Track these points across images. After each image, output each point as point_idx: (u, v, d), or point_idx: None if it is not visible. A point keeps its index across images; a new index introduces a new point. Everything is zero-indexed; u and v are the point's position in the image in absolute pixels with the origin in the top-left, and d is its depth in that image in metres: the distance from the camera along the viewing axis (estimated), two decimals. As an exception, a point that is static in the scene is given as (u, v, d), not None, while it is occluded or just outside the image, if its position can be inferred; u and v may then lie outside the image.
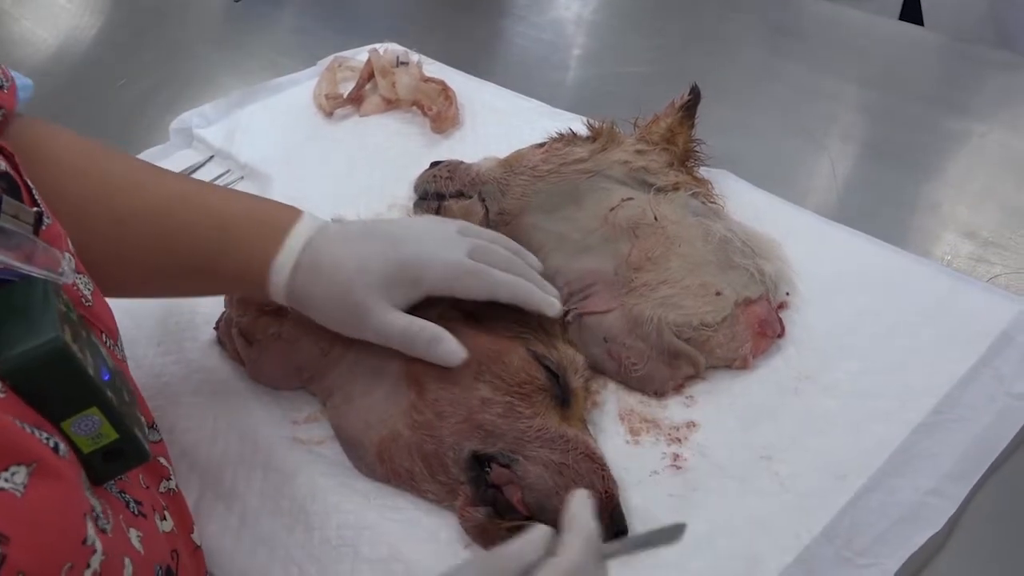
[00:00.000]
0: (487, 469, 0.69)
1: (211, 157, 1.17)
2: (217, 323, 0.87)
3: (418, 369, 0.74)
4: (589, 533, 0.55)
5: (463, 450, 0.70)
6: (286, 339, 0.80)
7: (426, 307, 0.77)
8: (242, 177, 1.13)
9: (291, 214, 0.75)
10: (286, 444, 0.78)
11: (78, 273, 0.60)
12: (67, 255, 0.57)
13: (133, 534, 0.53)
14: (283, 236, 0.73)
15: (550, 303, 0.78)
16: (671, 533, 0.58)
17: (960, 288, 0.86)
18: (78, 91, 1.37)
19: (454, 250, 0.75)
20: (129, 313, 0.89)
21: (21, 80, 0.75)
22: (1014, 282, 0.89)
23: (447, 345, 0.72)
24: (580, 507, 0.57)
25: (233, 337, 0.83)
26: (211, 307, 0.88)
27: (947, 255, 0.94)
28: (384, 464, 0.73)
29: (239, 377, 0.84)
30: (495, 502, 0.68)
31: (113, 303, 0.90)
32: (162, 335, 0.88)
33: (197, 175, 1.13)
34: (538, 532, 0.55)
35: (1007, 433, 0.74)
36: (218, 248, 0.73)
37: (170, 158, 1.17)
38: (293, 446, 0.78)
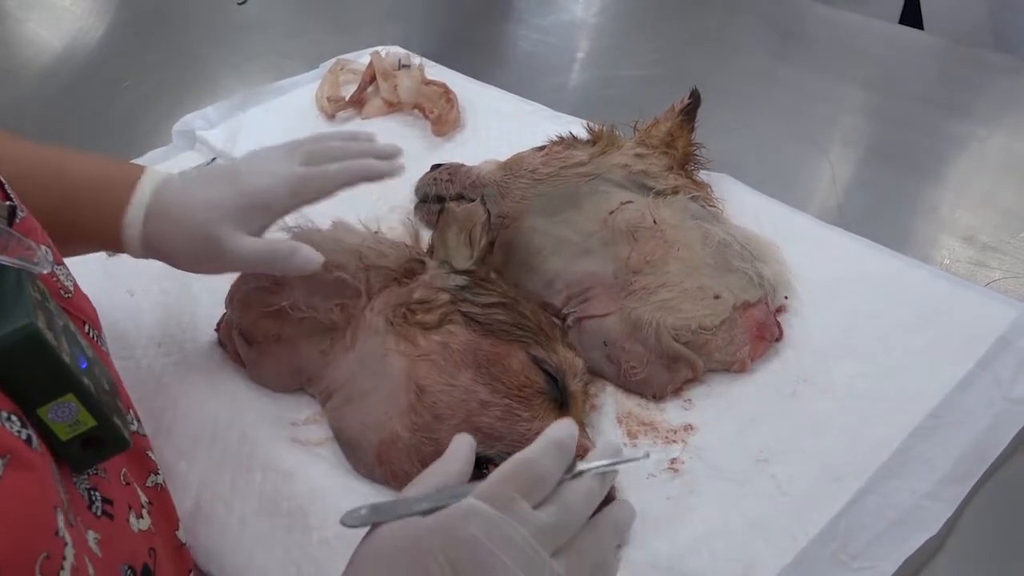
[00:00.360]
0: (484, 471, 0.69)
1: (214, 159, 1.17)
2: (218, 325, 0.87)
3: (418, 372, 0.74)
4: (552, 436, 0.55)
5: (461, 452, 0.70)
6: (286, 340, 0.81)
7: (429, 309, 0.77)
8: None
9: (135, 170, 0.78)
10: (286, 445, 0.78)
11: (57, 264, 0.60)
12: (43, 247, 0.57)
13: (90, 536, 0.53)
14: (130, 192, 0.76)
15: (390, 165, 0.82)
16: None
17: (958, 292, 0.87)
18: (82, 93, 1.37)
19: (288, 164, 0.79)
20: (130, 314, 0.90)
21: None
22: (1013, 287, 0.90)
23: (302, 253, 0.76)
24: (559, 424, 0.57)
25: (234, 338, 0.84)
26: (212, 308, 0.88)
27: (946, 259, 0.94)
28: (383, 466, 0.74)
29: (239, 378, 0.84)
30: (492, 504, 0.68)
31: (115, 307, 0.91)
32: (163, 336, 0.89)
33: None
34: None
35: (1004, 437, 0.75)
36: (70, 210, 0.75)
37: (173, 160, 1.17)
38: (292, 447, 0.78)
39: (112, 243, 0.77)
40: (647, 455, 0.61)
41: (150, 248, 0.77)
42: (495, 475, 0.54)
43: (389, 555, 0.52)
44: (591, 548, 0.55)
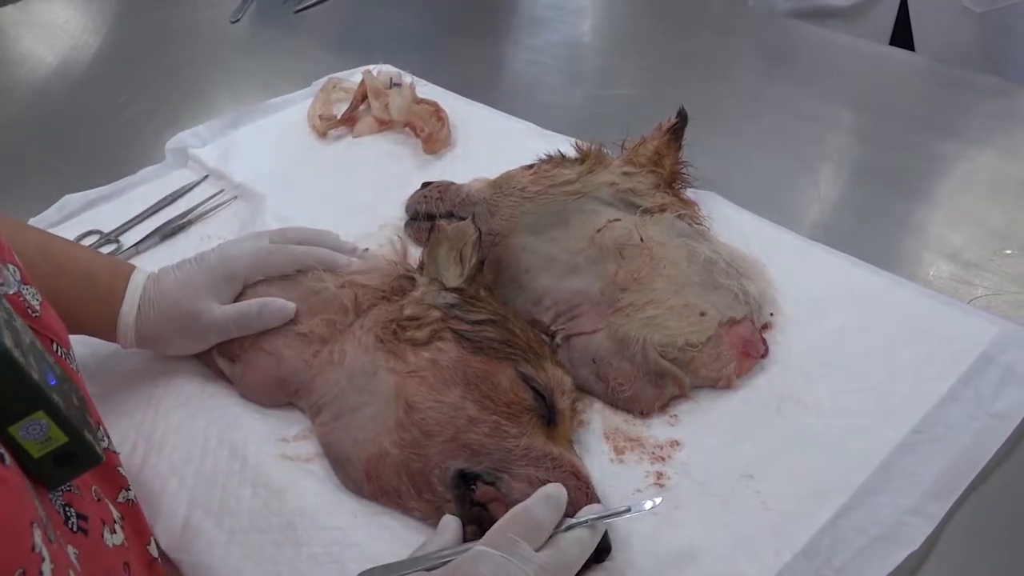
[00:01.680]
0: (472, 487, 0.70)
1: (206, 176, 1.18)
2: None
3: (407, 388, 0.75)
4: (546, 491, 0.66)
5: (449, 468, 0.71)
6: (268, 351, 0.82)
7: (419, 326, 0.78)
8: (236, 196, 1.14)
9: (130, 267, 0.85)
10: (275, 461, 0.78)
11: (25, 284, 0.61)
12: (10, 266, 0.59)
13: (70, 550, 0.54)
14: (125, 285, 0.83)
15: (348, 260, 0.88)
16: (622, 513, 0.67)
17: (942, 309, 0.88)
18: (76, 111, 1.38)
19: (256, 242, 0.87)
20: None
21: None
22: (994, 304, 0.90)
23: (274, 305, 0.83)
24: (550, 484, 0.68)
25: (215, 359, 0.85)
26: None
27: (929, 276, 0.95)
28: (372, 482, 0.74)
29: (229, 395, 0.85)
30: (480, 520, 0.68)
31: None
32: (153, 351, 0.89)
33: (191, 194, 1.14)
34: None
35: (986, 452, 0.76)
36: (77, 299, 0.81)
37: (165, 178, 1.18)
38: (282, 463, 0.78)
39: (103, 333, 0.84)
40: (629, 510, 0.67)
41: (143, 337, 0.83)
42: (498, 525, 0.63)
43: None
44: None
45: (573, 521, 0.65)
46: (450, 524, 0.68)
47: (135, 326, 0.82)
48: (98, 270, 0.84)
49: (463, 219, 0.93)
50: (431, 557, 0.64)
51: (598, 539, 0.66)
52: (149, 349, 0.86)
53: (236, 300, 0.85)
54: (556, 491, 0.66)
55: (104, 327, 0.83)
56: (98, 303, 0.82)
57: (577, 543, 0.64)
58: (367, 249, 0.91)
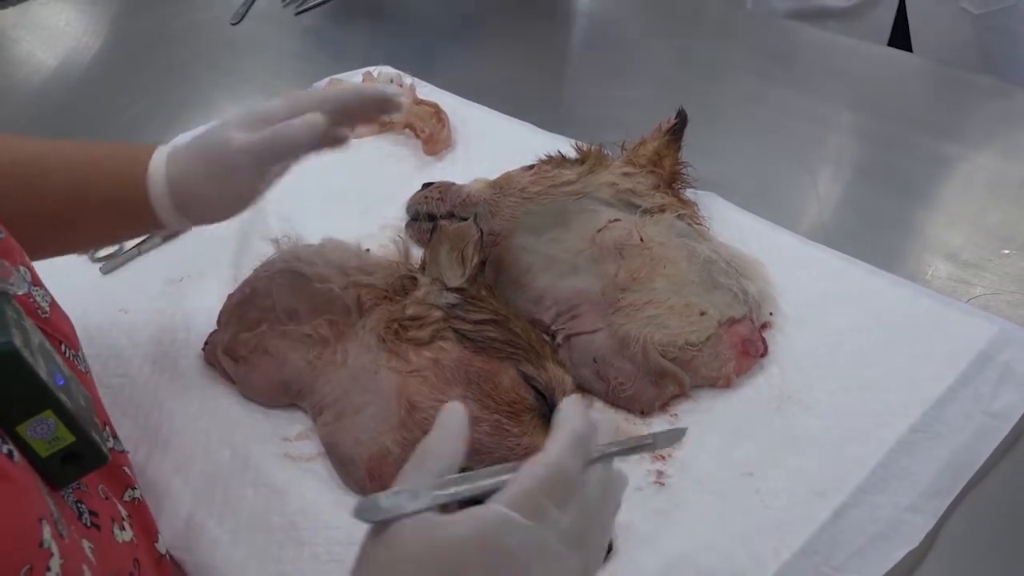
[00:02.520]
0: (473, 486, 0.70)
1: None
2: (204, 345, 0.88)
3: (409, 388, 0.75)
4: (576, 431, 0.55)
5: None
6: (272, 353, 0.82)
7: (421, 326, 0.79)
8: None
9: (147, 147, 0.81)
10: (278, 461, 0.79)
11: (35, 286, 0.61)
12: (21, 268, 0.59)
13: (85, 544, 0.54)
14: (150, 150, 0.79)
15: (395, 92, 0.84)
16: (672, 436, 0.60)
17: (940, 309, 0.88)
18: (77, 112, 1.39)
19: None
20: (125, 332, 0.91)
21: None
22: (992, 303, 0.91)
23: (297, 122, 0.75)
24: (570, 406, 0.57)
25: (219, 358, 0.85)
26: (205, 326, 0.89)
27: (928, 276, 0.95)
28: (374, 481, 0.74)
29: (232, 395, 0.85)
30: (481, 518, 0.69)
31: (110, 325, 0.92)
32: (157, 353, 0.90)
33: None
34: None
35: (984, 451, 0.76)
36: (92, 180, 0.79)
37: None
38: (284, 463, 0.79)
39: (136, 202, 0.78)
40: (653, 441, 0.59)
41: (174, 189, 0.78)
42: (526, 480, 0.52)
43: (415, 561, 0.50)
44: (602, 529, 0.56)
45: (596, 453, 0.56)
46: (452, 423, 0.56)
47: (166, 176, 0.77)
48: (114, 146, 0.82)
49: (464, 220, 0.94)
50: (443, 490, 0.53)
51: (623, 483, 0.58)
52: (186, 212, 0.80)
53: None
54: (586, 428, 0.55)
55: (135, 193, 0.78)
56: (125, 169, 0.79)
57: (602, 491, 0.55)
58: (368, 250, 0.91)
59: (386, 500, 0.51)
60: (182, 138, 0.81)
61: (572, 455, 0.54)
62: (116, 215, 0.80)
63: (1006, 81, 1.33)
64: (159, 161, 0.78)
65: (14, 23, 1.68)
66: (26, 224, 0.71)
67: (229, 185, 0.78)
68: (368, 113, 0.85)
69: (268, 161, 0.77)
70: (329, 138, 0.78)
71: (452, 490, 0.53)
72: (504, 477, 0.53)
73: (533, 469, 0.52)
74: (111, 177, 0.79)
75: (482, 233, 0.86)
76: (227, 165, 0.77)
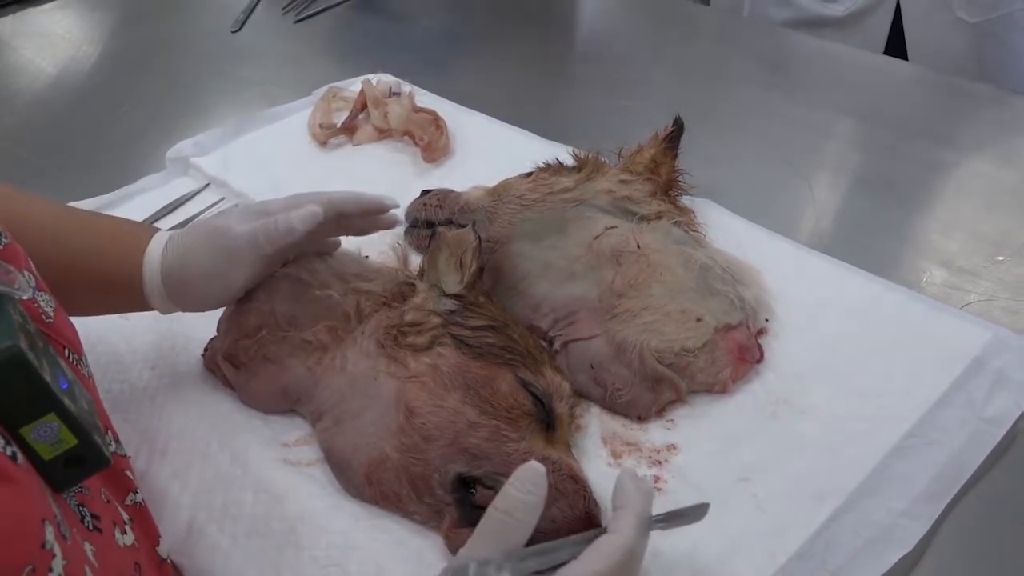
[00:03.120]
0: (472, 491, 0.71)
1: (207, 185, 1.19)
2: (204, 351, 0.89)
3: (408, 393, 0.76)
4: (641, 510, 0.62)
5: (449, 472, 0.72)
6: (271, 360, 0.82)
7: (419, 332, 0.79)
8: (236, 204, 1.14)
9: (150, 228, 0.83)
10: (277, 466, 0.79)
11: (39, 291, 0.62)
12: (26, 273, 0.60)
13: (87, 547, 0.55)
14: (149, 234, 0.81)
15: (383, 198, 0.86)
16: (699, 511, 0.64)
17: (934, 315, 0.89)
18: (76, 120, 1.39)
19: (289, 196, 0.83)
20: (125, 337, 0.92)
21: None
22: (986, 309, 0.92)
23: (303, 209, 0.78)
24: (631, 482, 0.63)
25: (219, 364, 0.86)
26: (204, 332, 0.89)
27: (923, 283, 0.96)
28: (372, 486, 0.75)
29: (231, 400, 0.86)
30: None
31: (110, 330, 0.92)
32: (156, 358, 0.90)
33: (192, 203, 1.15)
34: (532, 468, 0.62)
35: (978, 456, 0.77)
36: (104, 249, 0.79)
37: (166, 186, 1.19)
38: (284, 468, 0.79)
39: (131, 282, 0.80)
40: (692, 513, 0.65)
41: (169, 277, 0.79)
42: (599, 563, 0.59)
43: None
44: None
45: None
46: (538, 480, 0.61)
47: (161, 260, 0.79)
48: (121, 224, 0.83)
49: (462, 226, 0.94)
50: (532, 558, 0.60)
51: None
52: (177, 299, 0.81)
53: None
54: (648, 507, 0.63)
55: (131, 275, 0.79)
56: (123, 248, 0.80)
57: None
58: (367, 256, 0.92)
59: (475, 571, 0.58)
60: (178, 235, 0.81)
61: (639, 537, 0.61)
62: (107, 295, 0.82)
63: (1000, 89, 1.34)
64: (155, 250, 0.80)
65: (14, 31, 1.69)
66: None
67: (223, 272, 0.80)
68: (363, 224, 0.88)
69: (265, 248, 0.78)
70: (322, 240, 0.82)
71: (532, 563, 0.60)
72: (576, 550, 0.61)
73: (607, 551, 0.60)
74: (107, 259, 0.80)
75: (480, 240, 0.86)
76: (224, 250, 0.78)
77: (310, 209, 0.78)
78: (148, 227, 0.82)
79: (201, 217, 0.82)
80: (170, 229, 0.82)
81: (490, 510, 0.61)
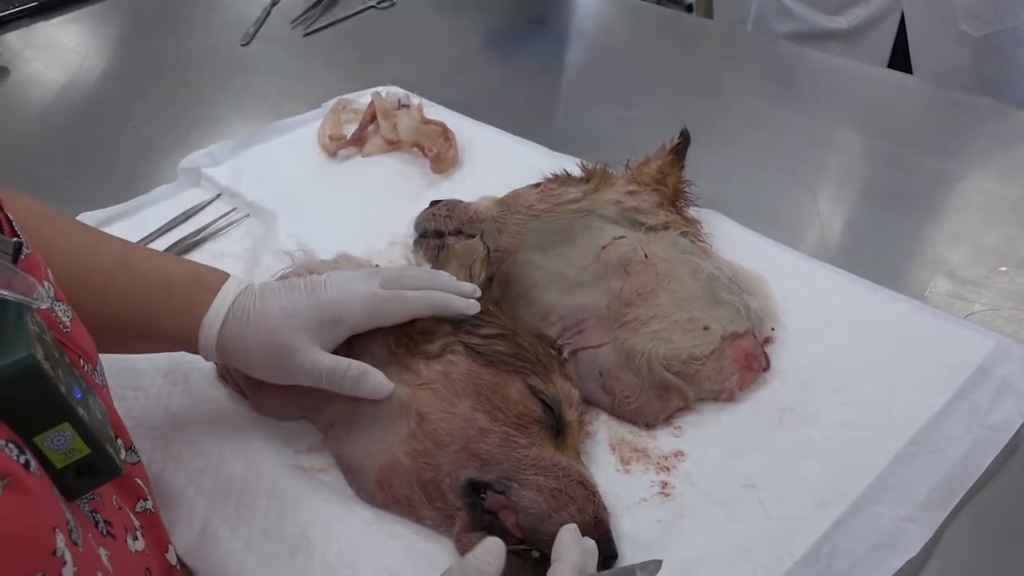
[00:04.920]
0: (483, 496, 0.72)
1: (218, 195, 1.20)
2: None
3: (419, 400, 0.77)
4: (575, 562, 0.62)
5: (460, 477, 0.73)
6: None
7: (431, 339, 0.80)
8: (248, 215, 1.16)
9: (220, 276, 0.80)
10: (289, 472, 0.80)
11: (57, 300, 0.63)
12: (46, 283, 0.60)
13: (102, 552, 0.55)
14: (212, 295, 0.78)
15: (467, 303, 0.82)
16: (651, 568, 0.65)
17: (938, 324, 0.90)
18: (89, 131, 1.41)
19: (368, 284, 0.80)
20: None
21: None
22: (990, 319, 0.92)
23: (374, 379, 0.77)
24: (568, 538, 0.64)
25: (232, 372, 0.87)
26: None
27: (927, 293, 0.97)
28: (384, 491, 0.76)
29: (243, 408, 0.87)
30: (491, 527, 0.70)
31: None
32: (170, 366, 0.91)
33: (204, 213, 1.17)
34: (493, 543, 0.63)
35: (981, 463, 0.77)
36: (155, 309, 0.78)
37: (179, 196, 1.20)
38: (296, 474, 0.80)
39: (186, 344, 0.79)
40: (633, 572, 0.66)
41: (225, 352, 0.78)
42: None
43: None
44: None
45: None
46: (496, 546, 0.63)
47: (217, 339, 0.78)
48: (177, 279, 0.80)
49: (472, 236, 0.96)
50: None
51: None
52: (229, 363, 0.81)
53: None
54: (583, 562, 0.64)
55: (185, 338, 0.79)
56: (176, 312, 0.78)
57: None
58: (378, 265, 0.93)
59: None
60: (255, 294, 0.79)
61: None
62: (162, 344, 0.82)
63: (1003, 103, 1.35)
64: (213, 324, 0.78)
65: (25, 44, 1.71)
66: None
67: (278, 376, 0.79)
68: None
69: (323, 386, 0.78)
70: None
71: None
72: None
73: None
74: (163, 318, 0.79)
75: (489, 250, 0.88)
76: (283, 369, 0.78)
77: (378, 386, 0.77)
78: (204, 285, 0.79)
79: (261, 309, 0.78)
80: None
81: (448, 570, 0.63)
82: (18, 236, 0.60)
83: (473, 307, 0.82)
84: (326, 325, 0.78)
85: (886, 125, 1.29)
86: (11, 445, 0.49)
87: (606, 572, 0.67)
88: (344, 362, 0.77)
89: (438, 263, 0.88)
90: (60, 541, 0.49)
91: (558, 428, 0.76)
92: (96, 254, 0.79)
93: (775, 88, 1.44)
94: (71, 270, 0.75)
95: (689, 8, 2.94)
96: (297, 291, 0.79)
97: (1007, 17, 1.54)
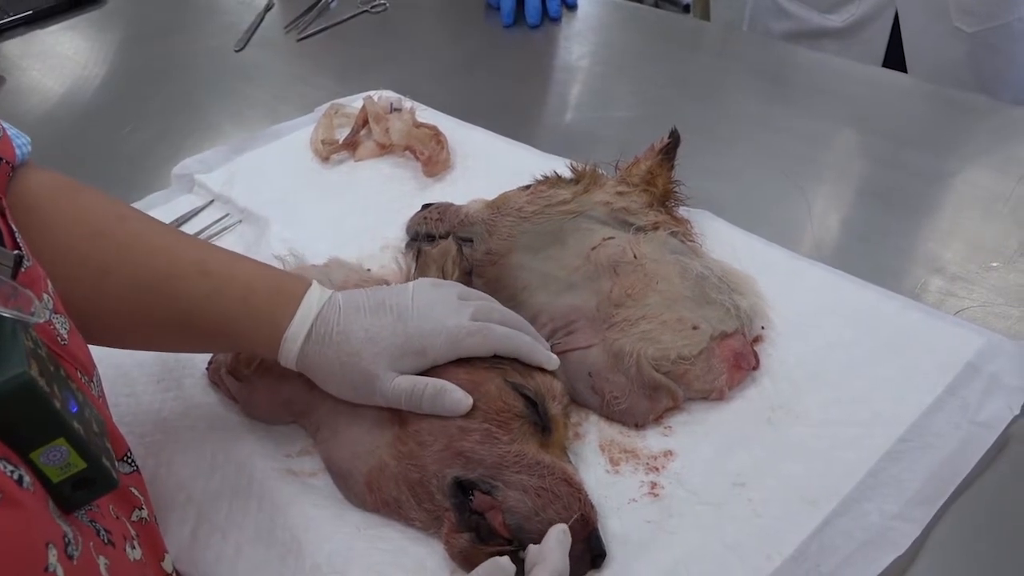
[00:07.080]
0: (470, 496, 0.72)
1: (211, 201, 1.20)
2: (208, 364, 0.90)
3: None
4: (556, 567, 0.64)
5: (446, 477, 0.73)
6: (273, 372, 0.84)
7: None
8: (241, 220, 1.16)
9: (302, 284, 0.79)
10: (280, 476, 0.81)
11: (56, 313, 0.63)
12: (45, 296, 0.60)
13: (102, 561, 0.55)
14: (295, 306, 0.77)
15: (549, 357, 0.81)
16: None
17: (928, 321, 0.90)
18: (83, 138, 1.41)
19: (457, 316, 0.79)
20: (131, 352, 0.93)
21: (18, 136, 0.79)
22: (980, 315, 0.92)
23: (451, 395, 0.75)
24: (555, 540, 0.65)
25: (223, 378, 0.87)
26: (209, 345, 0.91)
27: (917, 289, 0.97)
28: (373, 494, 0.76)
29: (235, 412, 0.87)
30: (478, 527, 0.70)
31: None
32: (162, 372, 0.92)
33: (197, 219, 1.17)
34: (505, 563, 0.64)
35: (970, 460, 0.77)
36: (234, 317, 0.77)
37: (172, 203, 1.21)
38: (286, 478, 0.80)
39: (266, 352, 0.79)
40: None
41: (305, 366, 0.78)
42: None
43: None
44: None
45: None
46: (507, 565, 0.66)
47: (299, 353, 0.77)
48: (258, 288, 0.78)
49: (463, 239, 0.96)
50: None
51: None
52: (307, 375, 0.79)
53: None
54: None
55: (268, 347, 0.78)
56: (258, 324, 0.77)
57: None
58: (369, 270, 0.93)
59: None
60: (337, 308, 0.78)
61: None
62: (243, 350, 0.83)
63: (997, 100, 1.35)
64: (296, 338, 0.76)
65: (22, 52, 1.71)
66: (134, 327, 0.76)
67: (355, 396, 0.78)
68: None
69: (401, 408, 0.77)
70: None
71: None
72: None
73: None
74: (252, 327, 0.78)
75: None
76: (360, 392, 0.77)
77: (457, 403, 0.75)
78: (286, 295, 0.78)
79: (344, 330, 0.76)
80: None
81: None
82: (19, 248, 0.60)
83: (553, 362, 0.82)
84: (409, 355, 0.77)
85: (880, 123, 1.29)
86: (3, 461, 0.49)
87: None
88: (421, 382, 0.76)
89: (418, 270, 0.88)
90: (52, 556, 0.48)
91: (543, 424, 0.76)
92: (172, 259, 0.77)
93: (769, 87, 1.44)
94: (144, 274, 0.75)
95: (686, 9, 2.95)
96: (383, 313, 0.77)
97: (1000, 12, 1.54)
